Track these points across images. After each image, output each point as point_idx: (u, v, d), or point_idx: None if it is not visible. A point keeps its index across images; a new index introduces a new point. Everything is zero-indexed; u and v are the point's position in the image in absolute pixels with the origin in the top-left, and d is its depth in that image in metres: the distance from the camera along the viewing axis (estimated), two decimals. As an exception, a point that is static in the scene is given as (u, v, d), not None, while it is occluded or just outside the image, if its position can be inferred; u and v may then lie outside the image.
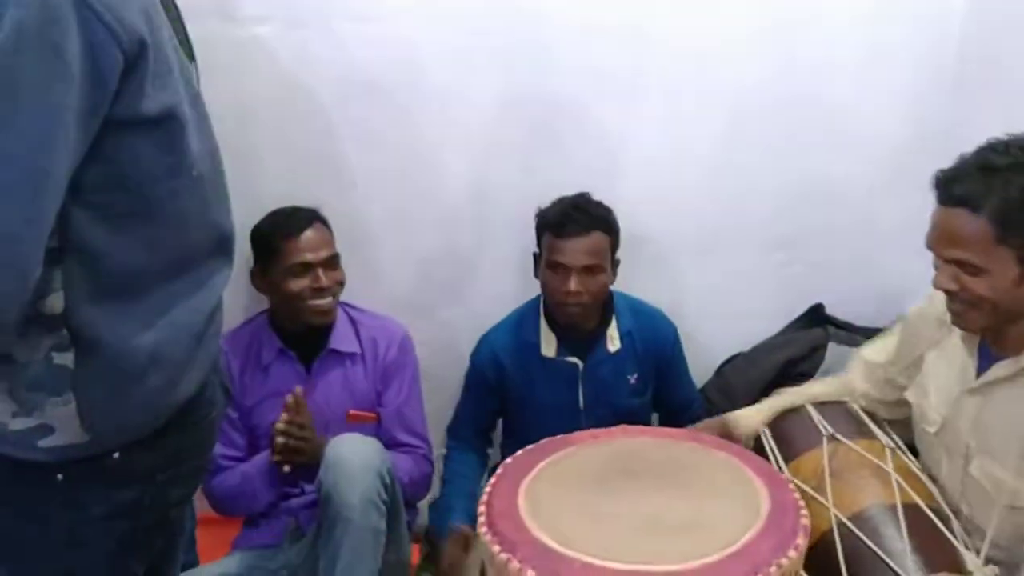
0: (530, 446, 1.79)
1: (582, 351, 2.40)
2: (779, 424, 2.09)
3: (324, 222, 2.31)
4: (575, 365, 2.39)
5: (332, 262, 2.27)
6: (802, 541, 1.46)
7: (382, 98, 2.39)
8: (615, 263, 2.38)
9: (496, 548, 1.45)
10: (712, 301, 2.62)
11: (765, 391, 2.40)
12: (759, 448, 2.02)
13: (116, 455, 1.27)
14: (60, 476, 1.25)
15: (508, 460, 1.73)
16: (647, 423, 2.49)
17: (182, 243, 1.27)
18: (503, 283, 2.56)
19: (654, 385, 2.48)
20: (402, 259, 2.53)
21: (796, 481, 1.78)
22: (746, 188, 2.54)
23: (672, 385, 2.52)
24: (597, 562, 1.39)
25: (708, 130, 2.48)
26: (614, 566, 1.38)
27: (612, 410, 2.39)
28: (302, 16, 2.29)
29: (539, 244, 2.39)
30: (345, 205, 2.44)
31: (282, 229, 2.24)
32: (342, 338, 2.31)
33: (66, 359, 1.19)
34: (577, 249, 2.27)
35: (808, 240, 2.61)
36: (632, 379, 2.42)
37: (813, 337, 2.56)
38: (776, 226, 2.59)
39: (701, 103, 2.46)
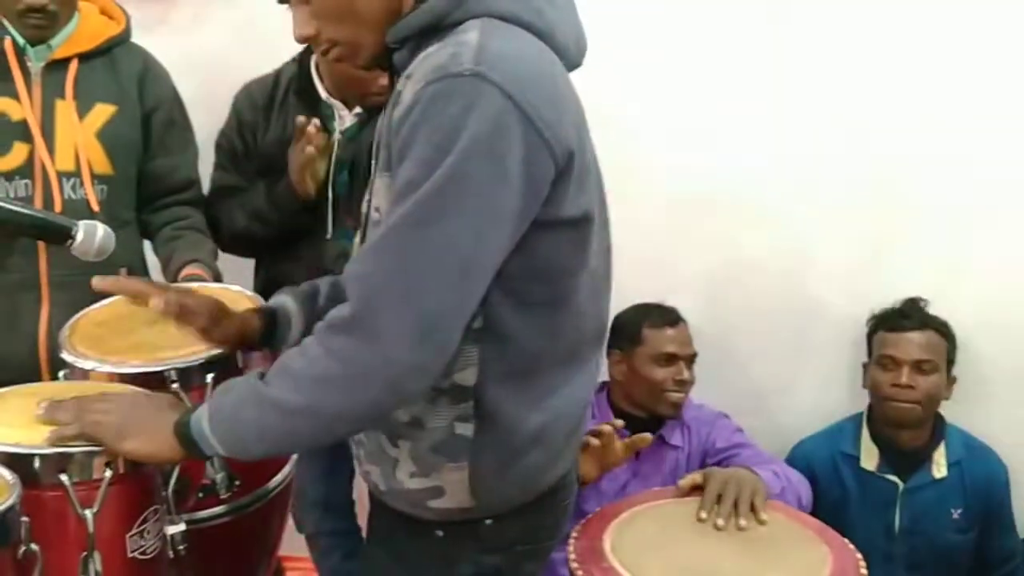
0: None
1: (904, 470, 2.33)
2: None
3: (686, 323, 2.37)
4: (895, 484, 2.32)
5: (692, 360, 2.32)
6: None
7: (712, 202, 2.44)
8: (950, 376, 2.34)
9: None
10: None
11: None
12: None
13: (489, 521, 1.35)
14: (440, 533, 1.35)
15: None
16: (967, 564, 2.38)
17: (576, 332, 1.34)
18: (819, 396, 2.53)
19: (977, 528, 2.36)
20: (715, 362, 2.46)
21: None
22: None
23: (994, 532, 2.38)
24: None
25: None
26: None
27: (929, 541, 2.32)
28: (641, 124, 2.41)
29: (870, 350, 2.39)
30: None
31: (655, 319, 2.33)
32: (670, 430, 2.32)
33: (466, 429, 1.28)
34: (911, 341, 2.30)
35: None
36: (956, 513, 2.32)
37: None
38: None
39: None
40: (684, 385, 2.30)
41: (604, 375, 2.43)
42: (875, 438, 2.38)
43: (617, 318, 2.36)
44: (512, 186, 1.14)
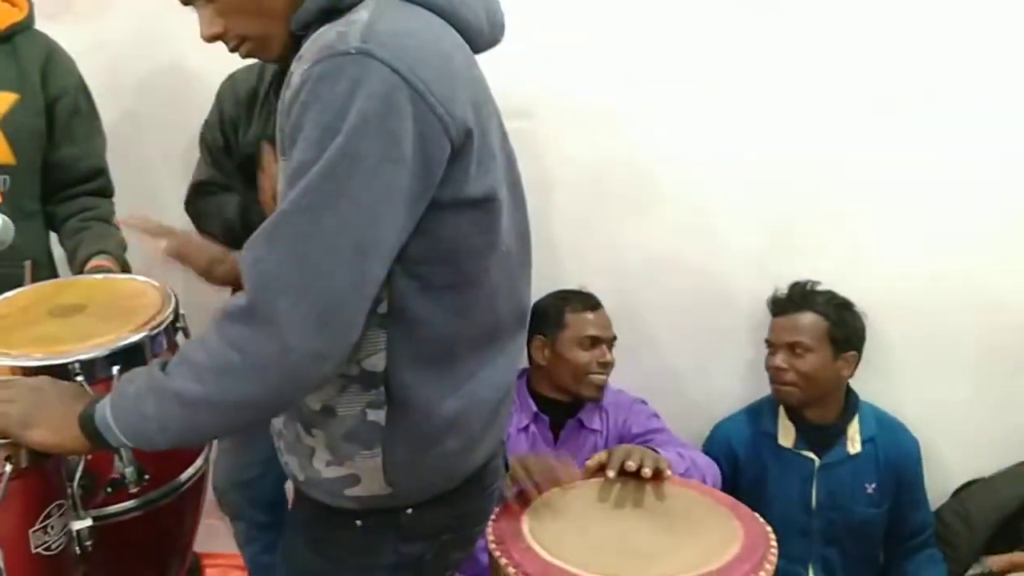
0: None
1: (820, 447, 2.38)
2: None
3: (603, 308, 2.40)
4: (811, 460, 2.37)
5: (612, 344, 2.37)
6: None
7: (624, 190, 2.47)
8: (844, 355, 2.36)
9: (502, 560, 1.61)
10: (954, 419, 2.51)
11: (1006, 523, 2.37)
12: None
13: (409, 511, 1.34)
14: (359, 523, 1.34)
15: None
16: (881, 537, 2.44)
17: (490, 315, 1.33)
18: (734, 377, 2.57)
19: (890, 501, 2.42)
20: (631, 347, 2.47)
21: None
22: (999, 304, 2.44)
23: (907, 505, 2.44)
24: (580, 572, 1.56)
25: (962, 242, 2.41)
26: None
27: (845, 515, 2.37)
28: (556, 111, 2.42)
29: None
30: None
31: (575, 304, 2.37)
32: (589, 414, 2.36)
33: (379, 416, 1.26)
34: (783, 326, 2.37)
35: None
36: (870, 488, 2.38)
37: (1063, 471, 2.40)
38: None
39: (956, 223, 2.40)
40: (607, 367, 2.34)
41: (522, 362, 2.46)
42: (790, 416, 2.43)
43: (537, 304, 2.37)
44: (406, 164, 1.12)
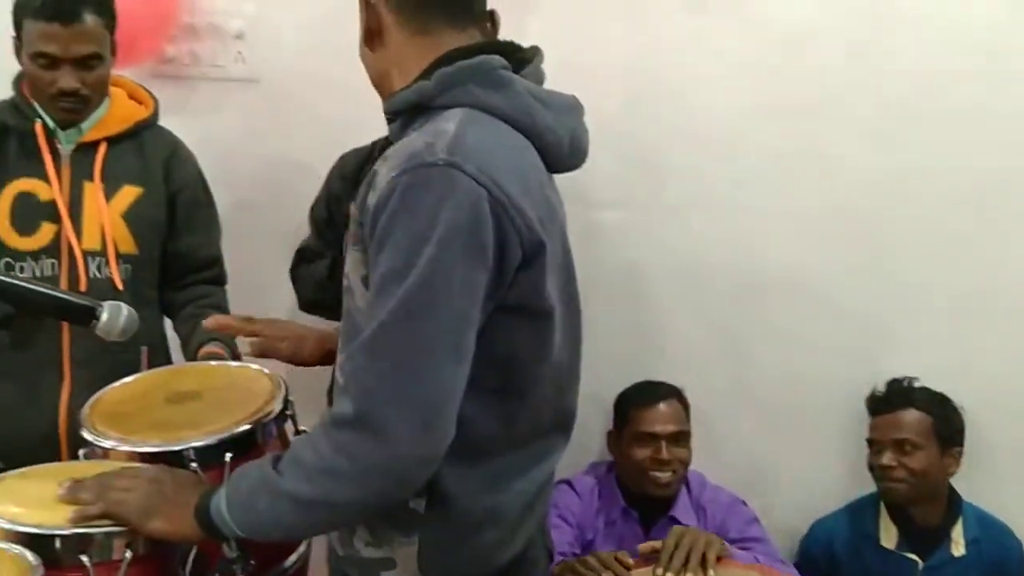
0: None
1: (924, 549, 2.32)
2: None
3: (682, 400, 2.37)
4: (915, 563, 2.31)
5: (678, 438, 2.30)
6: None
7: (718, 284, 2.48)
8: (950, 451, 2.32)
9: None
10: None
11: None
12: None
13: None
14: None
15: None
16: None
17: (532, 422, 1.37)
18: (829, 472, 2.53)
19: None
20: (725, 441, 2.49)
21: None
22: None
23: None
24: None
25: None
26: None
27: None
28: (648, 203, 2.47)
29: None
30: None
31: (638, 398, 2.35)
32: (684, 510, 2.30)
33: (419, 505, 1.30)
34: (888, 423, 2.32)
35: None
36: (975, 591, 2.30)
37: None
38: None
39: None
40: (664, 464, 2.27)
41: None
42: (893, 516, 2.37)
43: (617, 397, 2.40)
44: (488, 271, 1.19)
